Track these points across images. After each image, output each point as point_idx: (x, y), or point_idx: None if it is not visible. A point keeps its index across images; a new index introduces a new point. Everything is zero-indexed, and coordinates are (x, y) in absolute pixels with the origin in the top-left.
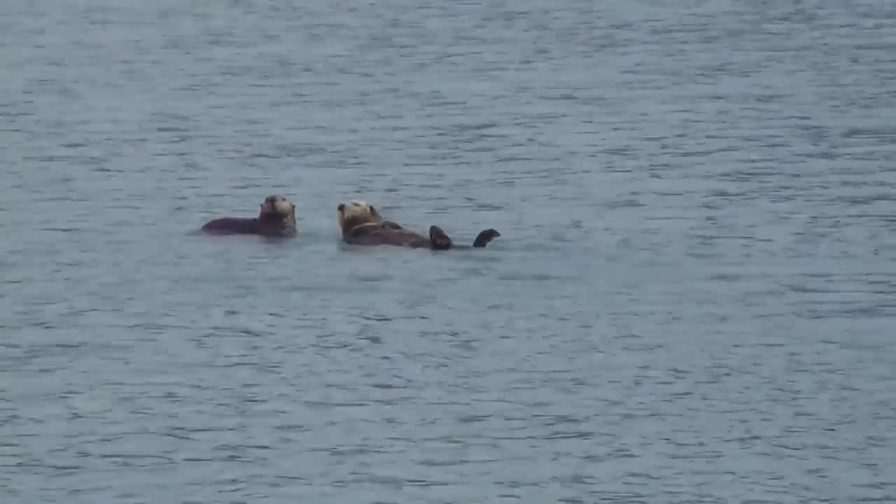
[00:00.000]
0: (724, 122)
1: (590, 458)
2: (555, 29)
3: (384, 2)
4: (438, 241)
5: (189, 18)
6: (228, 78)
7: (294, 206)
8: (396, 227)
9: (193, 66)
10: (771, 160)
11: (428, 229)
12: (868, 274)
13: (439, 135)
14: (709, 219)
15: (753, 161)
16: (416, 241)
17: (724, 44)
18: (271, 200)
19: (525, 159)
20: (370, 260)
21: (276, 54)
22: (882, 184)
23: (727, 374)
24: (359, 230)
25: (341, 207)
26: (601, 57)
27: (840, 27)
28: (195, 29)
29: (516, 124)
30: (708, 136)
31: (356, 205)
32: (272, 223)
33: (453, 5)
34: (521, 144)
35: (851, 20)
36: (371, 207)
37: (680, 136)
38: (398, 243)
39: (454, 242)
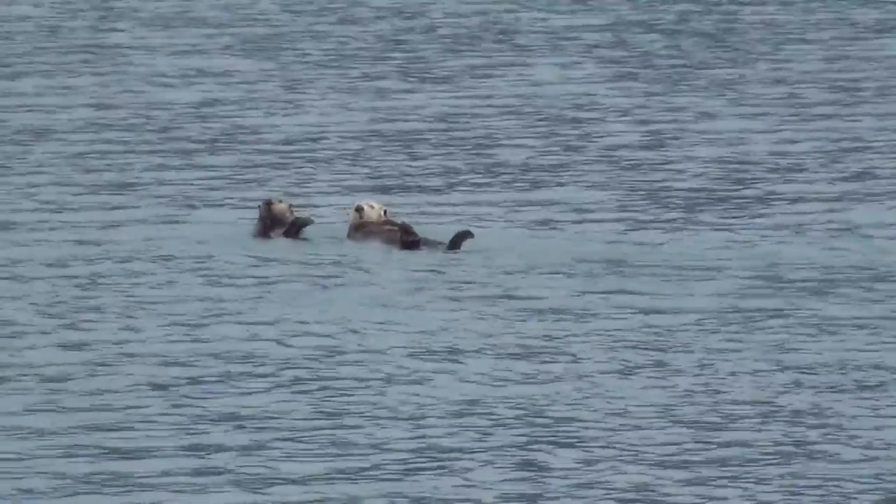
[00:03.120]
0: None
1: (588, 461)
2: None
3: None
4: (406, 238)
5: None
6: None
7: (291, 206)
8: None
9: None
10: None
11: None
12: None
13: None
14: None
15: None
16: (389, 237)
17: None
18: (268, 203)
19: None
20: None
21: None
22: None
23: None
24: (361, 225)
25: (359, 209)
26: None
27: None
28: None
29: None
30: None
31: (371, 207)
32: (272, 226)
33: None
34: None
35: None
36: (385, 210)
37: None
38: (375, 238)
39: (436, 242)
